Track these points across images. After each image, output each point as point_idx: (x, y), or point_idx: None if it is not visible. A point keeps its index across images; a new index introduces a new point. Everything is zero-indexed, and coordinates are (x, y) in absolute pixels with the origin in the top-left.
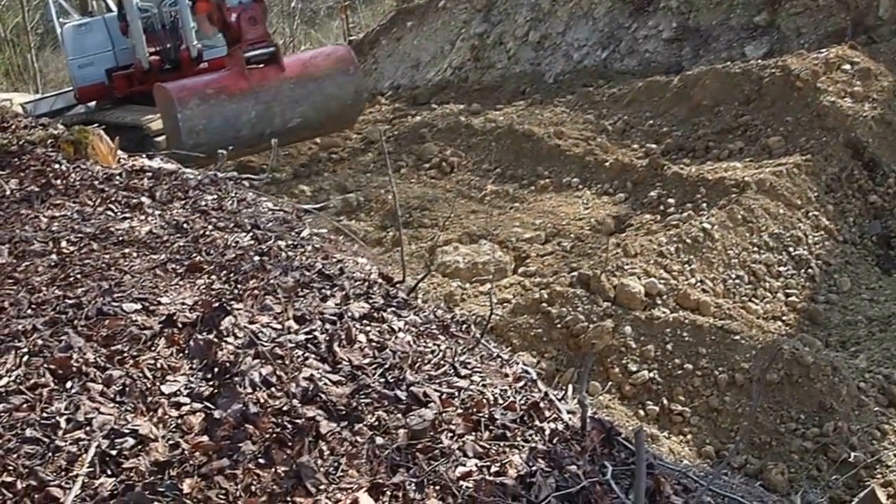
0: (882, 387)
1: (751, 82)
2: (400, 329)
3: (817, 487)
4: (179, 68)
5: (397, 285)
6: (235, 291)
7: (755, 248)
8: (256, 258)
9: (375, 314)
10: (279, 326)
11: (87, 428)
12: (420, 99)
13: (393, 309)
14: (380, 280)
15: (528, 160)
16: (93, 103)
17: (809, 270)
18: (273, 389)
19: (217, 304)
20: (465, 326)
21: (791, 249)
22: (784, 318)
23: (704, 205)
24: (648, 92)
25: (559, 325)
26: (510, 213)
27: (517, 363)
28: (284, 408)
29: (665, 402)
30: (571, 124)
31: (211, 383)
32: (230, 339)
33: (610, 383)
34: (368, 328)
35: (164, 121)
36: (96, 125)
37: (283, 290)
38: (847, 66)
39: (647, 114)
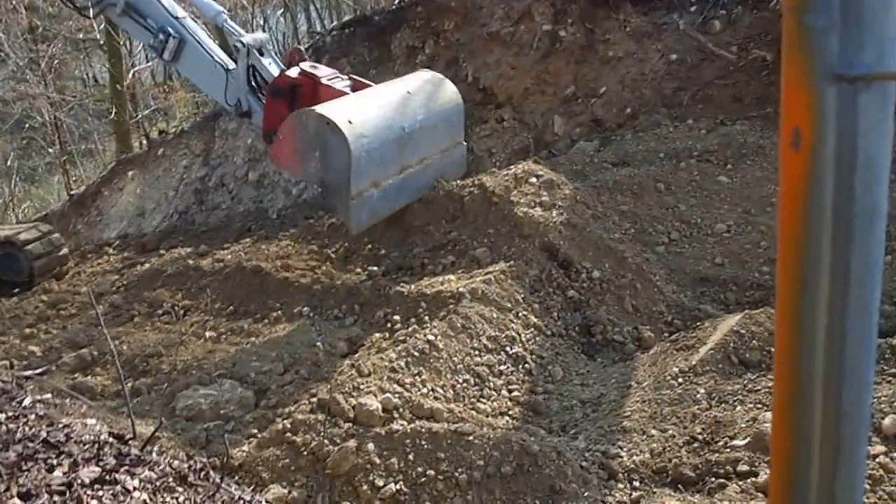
0: (601, 462)
1: (454, 202)
2: (135, 488)
3: None
4: None
5: (130, 442)
6: None
7: (476, 352)
8: None
9: (108, 476)
10: None
11: None
12: (149, 246)
13: (126, 468)
14: (111, 439)
15: (258, 295)
16: None
17: (526, 365)
18: None
19: None
20: (203, 473)
21: (508, 349)
22: (510, 412)
23: (427, 318)
24: None
25: (305, 453)
26: (247, 348)
27: (261, 502)
28: None
29: None
30: (297, 256)
31: None
32: None
33: (359, 500)
34: (101, 493)
35: (306, 152)
36: None
37: (4, 466)
38: (533, 179)
39: (365, 239)
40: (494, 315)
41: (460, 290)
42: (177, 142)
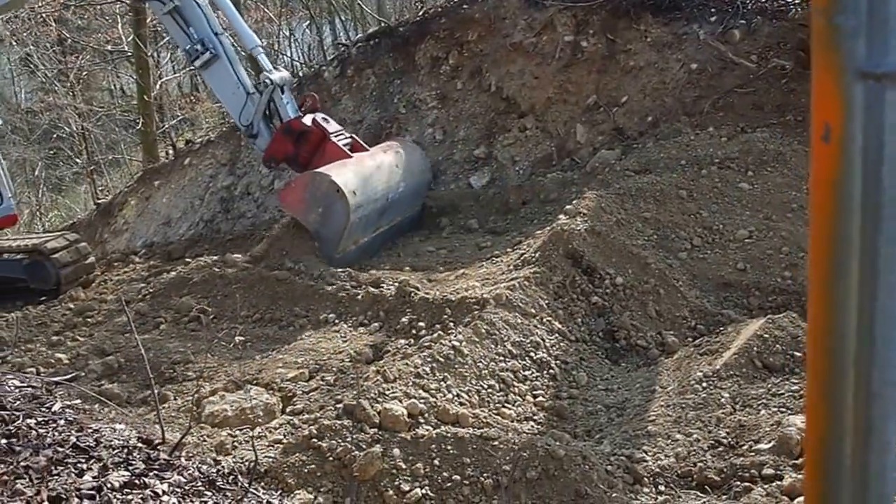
0: (626, 466)
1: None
2: (164, 492)
3: None
4: None
5: (159, 447)
6: None
7: (501, 358)
8: (3, 441)
9: (137, 481)
10: None
11: None
12: (175, 254)
13: (155, 472)
14: (140, 444)
15: (284, 302)
16: None
17: (551, 371)
18: None
19: None
20: (232, 478)
21: (532, 354)
22: (535, 417)
23: (452, 324)
24: None
25: (331, 458)
26: (273, 355)
27: None
28: None
29: None
30: None
31: None
32: None
33: None
34: (130, 497)
35: (311, 204)
36: None
37: (34, 471)
38: None
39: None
40: (519, 321)
41: (485, 295)
42: (203, 151)
